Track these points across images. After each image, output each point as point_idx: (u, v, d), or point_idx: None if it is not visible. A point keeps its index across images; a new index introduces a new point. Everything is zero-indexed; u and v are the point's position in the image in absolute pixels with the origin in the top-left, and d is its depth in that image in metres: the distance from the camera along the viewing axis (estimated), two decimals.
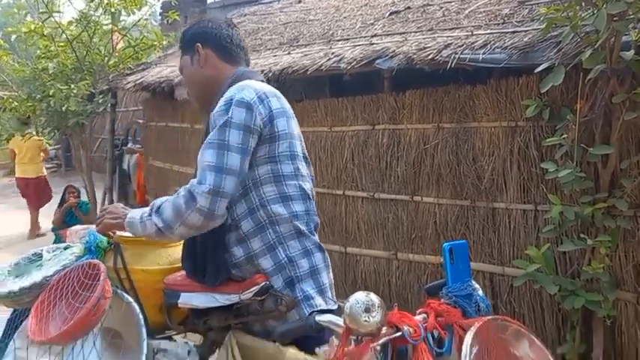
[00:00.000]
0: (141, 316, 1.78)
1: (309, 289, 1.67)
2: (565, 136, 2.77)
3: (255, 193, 1.65)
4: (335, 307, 1.69)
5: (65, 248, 2.06)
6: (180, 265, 1.87)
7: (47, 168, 16.22)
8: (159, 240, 1.75)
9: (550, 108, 2.93)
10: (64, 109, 5.95)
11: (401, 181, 3.76)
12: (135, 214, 1.70)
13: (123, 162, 7.63)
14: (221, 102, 1.62)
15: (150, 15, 7.00)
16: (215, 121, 1.59)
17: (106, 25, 6.67)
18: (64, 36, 6.67)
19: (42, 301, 1.75)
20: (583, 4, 2.57)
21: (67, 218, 6.00)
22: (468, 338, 1.29)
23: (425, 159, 3.63)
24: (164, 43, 6.90)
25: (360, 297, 1.26)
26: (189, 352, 1.88)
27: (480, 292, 1.49)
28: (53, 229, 6.18)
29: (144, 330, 1.75)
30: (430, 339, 1.35)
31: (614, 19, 2.42)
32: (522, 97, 3.11)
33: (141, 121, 7.04)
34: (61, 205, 6.21)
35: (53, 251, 2.06)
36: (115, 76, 6.44)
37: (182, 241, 1.90)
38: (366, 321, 1.24)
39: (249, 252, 1.67)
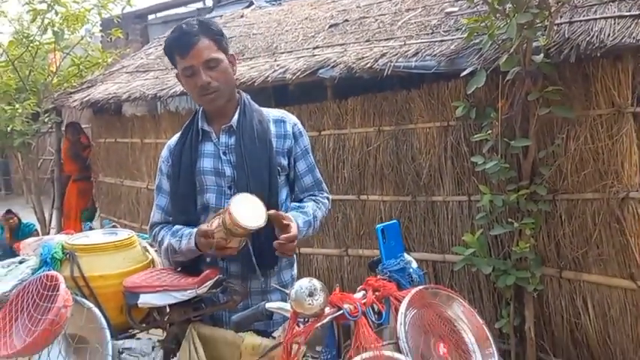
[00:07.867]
0: (103, 320, 1.87)
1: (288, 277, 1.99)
2: (490, 132, 3.10)
3: None
4: None
5: (20, 262, 2.07)
6: (135, 266, 2.00)
7: None
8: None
9: (476, 108, 3.24)
10: (9, 129, 5.91)
11: (348, 182, 4.01)
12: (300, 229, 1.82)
13: None
14: (297, 125, 2.04)
15: (93, 34, 7.01)
16: (305, 140, 2.04)
17: (48, 44, 6.66)
18: (4, 56, 6.61)
19: (3, 316, 1.77)
20: (498, 15, 2.92)
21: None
22: (402, 307, 1.46)
23: (368, 160, 3.89)
24: (108, 60, 6.94)
25: (303, 283, 1.41)
26: (153, 347, 1.97)
27: (414, 264, 1.67)
28: None
29: (107, 332, 1.84)
30: (371, 312, 1.51)
31: (525, 27, 2.77)
32: (452, 99, 3.43)
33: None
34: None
35: (8, 266, 2.07)
36: (60, 95, 6.40)
37: (134, 244, 2.09)
38: (310, 304, 1.39)
39: None
